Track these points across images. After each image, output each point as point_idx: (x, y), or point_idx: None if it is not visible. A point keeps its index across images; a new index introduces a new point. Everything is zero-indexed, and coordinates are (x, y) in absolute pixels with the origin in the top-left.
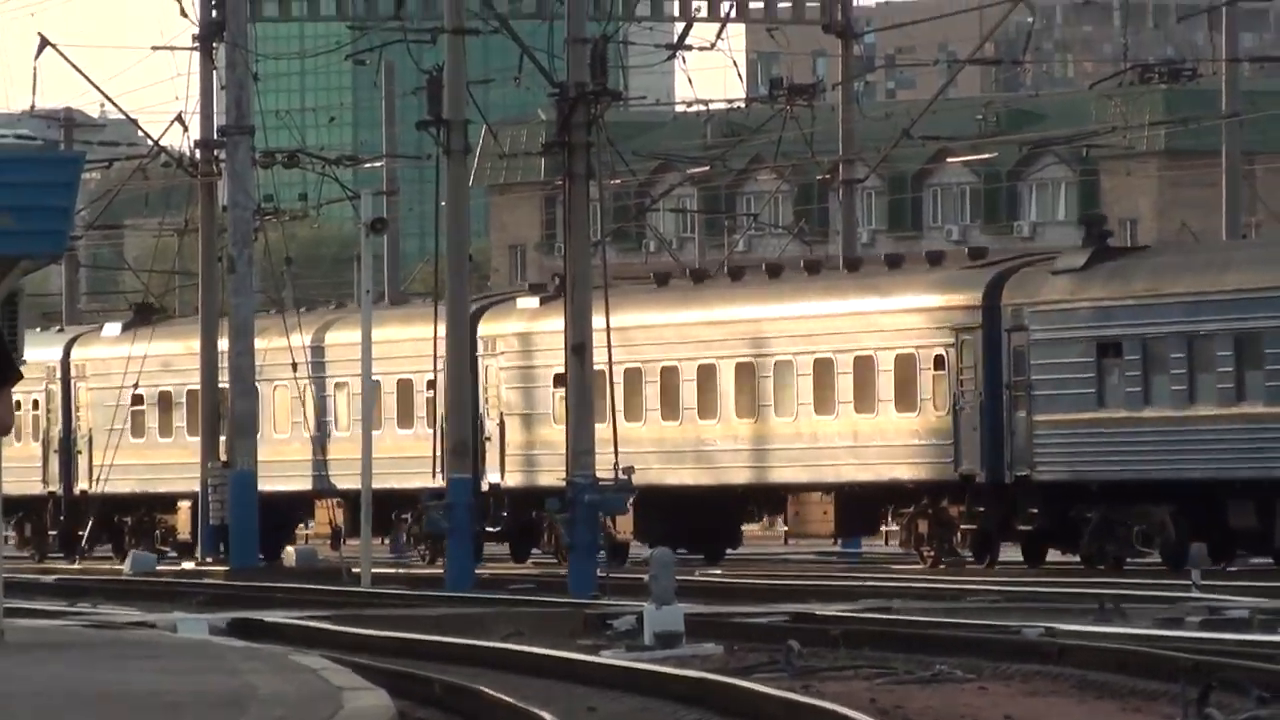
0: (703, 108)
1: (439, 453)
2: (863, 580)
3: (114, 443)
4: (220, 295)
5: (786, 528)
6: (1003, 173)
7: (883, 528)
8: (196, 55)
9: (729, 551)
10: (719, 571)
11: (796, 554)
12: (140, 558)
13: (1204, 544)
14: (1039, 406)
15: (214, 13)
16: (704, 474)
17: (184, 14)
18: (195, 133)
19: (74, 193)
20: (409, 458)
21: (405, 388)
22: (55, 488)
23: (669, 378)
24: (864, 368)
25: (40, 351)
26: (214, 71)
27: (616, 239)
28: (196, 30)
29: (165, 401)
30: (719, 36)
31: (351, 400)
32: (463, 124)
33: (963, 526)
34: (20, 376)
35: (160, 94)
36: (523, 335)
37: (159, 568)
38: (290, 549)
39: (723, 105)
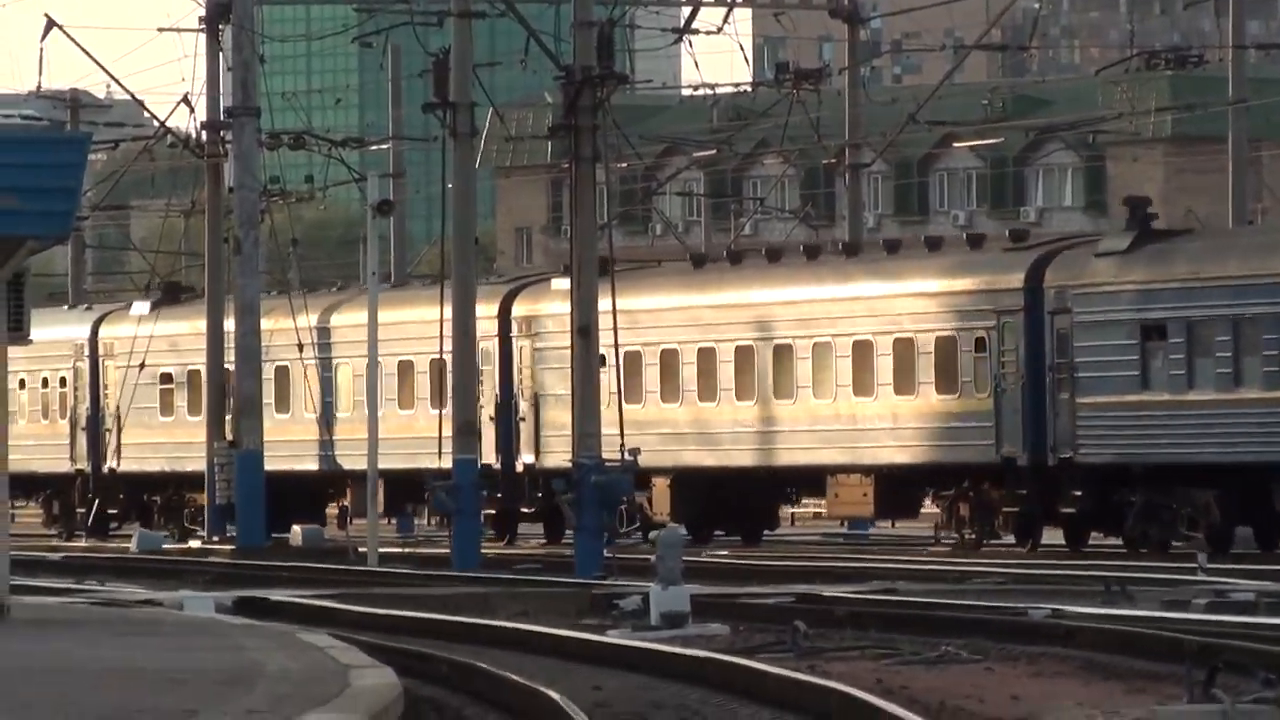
0: (709, 92)
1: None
2: (869, 562)
3: (143, 421)
4: (226, 276)
5: (825, 509)
6: (1009, 158)
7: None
8: (203, 37)
9: (767, 533)
10: (725, 552)
11: (801, 535)
12: (147, 536)
13: (1250, 527)
14: (1083, 389)
15: None
16: (740, 455)
17: None
18: (201, 114)
19: (80, 174)
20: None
21: (439, 368)
22: (83, 465)
23: (705, 360)
24: (904, 350)
25: (68, 329)
26: (220, 53)
27: (623, 222)
28: (203, 12)
29: (194, 380)
30: (726, 20)
31: (383, 379)
32: (469, 107)
33: (1004, 509)
34: None
35: (166, 75)
36: (556, 316)
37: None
38: (297, 528)
39: (729, 89)
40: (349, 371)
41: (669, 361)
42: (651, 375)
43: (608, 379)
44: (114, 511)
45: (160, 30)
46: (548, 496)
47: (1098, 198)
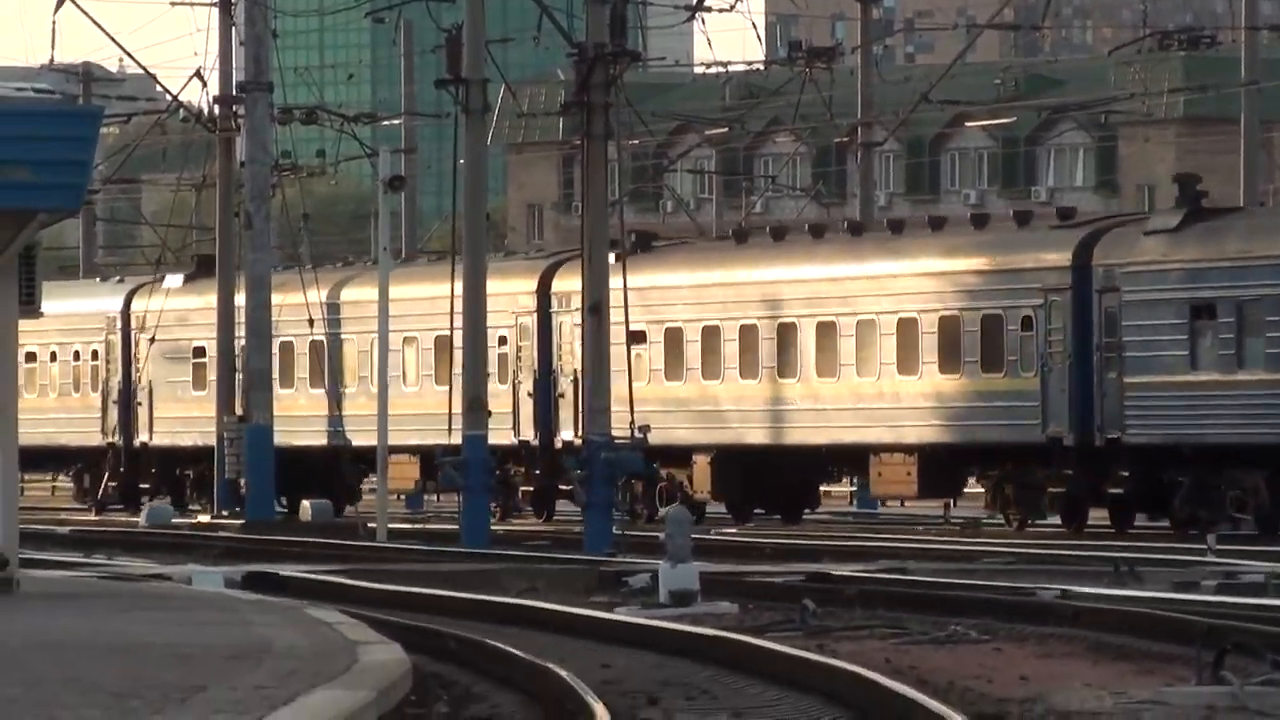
0: (721, 69)
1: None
2: (879, 541)
3: (175, 395)
4: (237, 251)
5: (870, 488)
6: (1021, 138)
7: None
8: (216, 11)
9: (807, 512)
10: (733, 531)
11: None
12: (156, 510)
13: None
14: (1130, 368)
15: None
16: (782, 433)
17: None
18: (214, 88)
19: (92, 147)
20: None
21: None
22: (115, 439)
23: (748, 336)
24: (949, 328)
25: (100, 302)
26: (233, 27)
27: (634, 199)
28: None
29: None
30: None
31: (422, 354)
32: (481, 83)
33: (1050, 490)
34: None
35: (179, 49)
36: None
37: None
38: (306, 503)
39: (742, 67)
40: (397, 345)
41: (710, 338)
42: (692, 352)
43: (648, 355)
44: (145, 486)
45: (173, 4)
46: None
47: (1109, 178)
